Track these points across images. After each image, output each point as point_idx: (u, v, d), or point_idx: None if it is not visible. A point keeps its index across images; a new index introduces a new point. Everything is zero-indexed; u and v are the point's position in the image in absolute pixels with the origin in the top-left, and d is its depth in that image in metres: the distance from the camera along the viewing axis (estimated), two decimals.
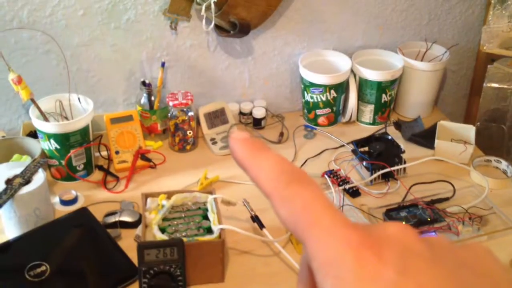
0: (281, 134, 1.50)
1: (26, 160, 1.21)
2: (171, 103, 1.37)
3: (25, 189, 1.09)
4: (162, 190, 1.14)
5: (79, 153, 1.27)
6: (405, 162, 1.32)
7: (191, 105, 1.39)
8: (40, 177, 1.13)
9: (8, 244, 1.08)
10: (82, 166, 1.29)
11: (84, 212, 1.16)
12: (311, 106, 1.52)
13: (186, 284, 0.96)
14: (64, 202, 1.22)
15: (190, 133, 1.40)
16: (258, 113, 1.51)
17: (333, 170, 1.33)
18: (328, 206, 0.25)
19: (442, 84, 1.71)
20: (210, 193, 1.10)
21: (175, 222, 1.05)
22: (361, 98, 1.53)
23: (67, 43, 1.35)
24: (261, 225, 1.09)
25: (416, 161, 1.32)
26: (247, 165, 0.27)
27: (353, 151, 1.36)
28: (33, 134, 1.34)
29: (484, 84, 1.53)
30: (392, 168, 1.29)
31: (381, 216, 1.19)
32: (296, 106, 1.63)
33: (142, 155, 1.35)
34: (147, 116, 1.42)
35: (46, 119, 1.27)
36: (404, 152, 1.32)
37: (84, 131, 1.26)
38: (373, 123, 1.56)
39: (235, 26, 1.35)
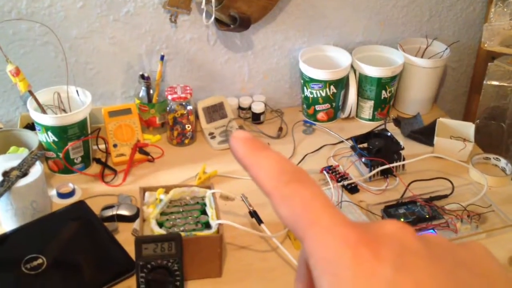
0: (280, 129, 1.49)
1: (23, 152, 1.21)
2: (170, 97, 1.37)
3: (22, 182, 1.09)
4: (160, 184, 1.14)
5: (77, 146, 1.27)
6: (404, 159, 1.32)
7: (190, 99, 1.38)
8: (37, 169, 1.13)
9: (4, 237, 1.08)
10: (79, 159, 1.29)
11: (81, 205, 1.16)
12: (310, 101, 1.52)
13: (183, 279, 0.96)
14: (61, 195, 1.22)
15: (188, 127, 1.40)
16: (257, 108, 1.50)
17: (331, 166, 1.33)
18: (327, 205, 0.25)
19: (442, 81, 1.71)
20: (209, 187, 1.10)
21: (173, 217, 1.05)
22: (360, 94, 1.53)
23: (66, 35, 1.34)
24: (259, 221, 1.09)
25: (415, 158, 1.32)
26: (248, 163, 0.27)
27: (352, 147, 1.36)
28: (31, 126, 1.34)
29: (484, 82, 1.53)
30: (391, 165, 1.29)
31: (379, 212, 1.19)
32: (296, 101, 1.62)
33: (140, 148, 1.34)
34: (145, 110, 1.41)
35: (44, 111, 1.27)
36: (403, 148, 1.31)
37: (82, 124, 1.26)
38: (373, 119, 1.55)
39: (235, 20, 1.34)
